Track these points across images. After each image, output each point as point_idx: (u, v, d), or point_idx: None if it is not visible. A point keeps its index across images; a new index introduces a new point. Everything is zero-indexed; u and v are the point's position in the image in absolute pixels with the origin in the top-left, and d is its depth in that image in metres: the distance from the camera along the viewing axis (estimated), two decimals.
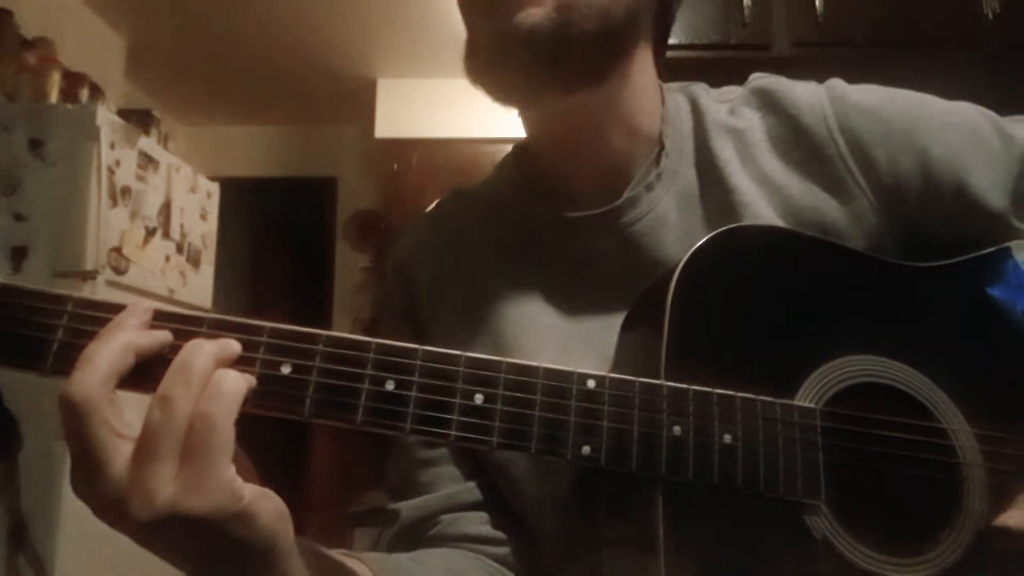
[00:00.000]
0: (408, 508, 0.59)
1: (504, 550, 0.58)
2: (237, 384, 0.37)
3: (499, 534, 0.58)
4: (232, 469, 0.36)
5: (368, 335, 0.41)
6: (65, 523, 1.86)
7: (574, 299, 0.59)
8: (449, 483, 0.59)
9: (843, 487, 0.46)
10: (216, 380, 0.37)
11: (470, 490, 0.59)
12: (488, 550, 0.57)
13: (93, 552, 1.93)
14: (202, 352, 0.37)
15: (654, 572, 0.42)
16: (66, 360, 0.37)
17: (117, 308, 0.39)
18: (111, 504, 0.35)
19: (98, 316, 0.39)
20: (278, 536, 0.38)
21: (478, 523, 0.58)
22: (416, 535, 0.59)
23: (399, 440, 0.62)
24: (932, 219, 0.58)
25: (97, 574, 1.92)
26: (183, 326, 0.39)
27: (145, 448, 0.35)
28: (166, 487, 0.34)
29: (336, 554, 0.47)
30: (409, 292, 0.65)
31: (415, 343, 0.41)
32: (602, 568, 0.48)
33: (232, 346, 0.39)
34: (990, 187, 0.57)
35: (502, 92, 0.57)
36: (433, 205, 0.71)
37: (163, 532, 0.35)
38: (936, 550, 0.47)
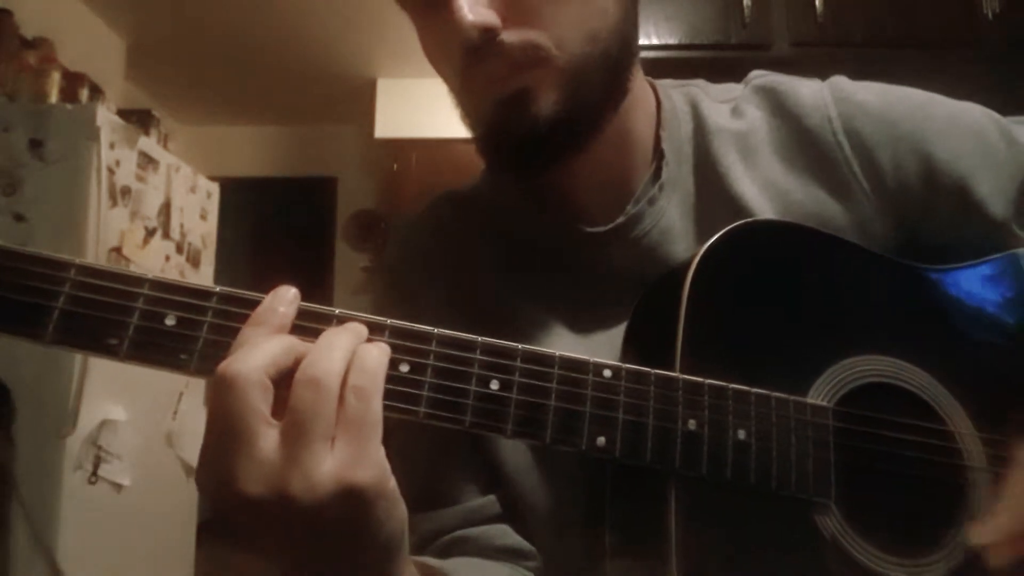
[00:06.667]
0: (424, 521, 0.57)
1: (535, 563, 0.56)
2: (381, 358, 0.38)
3: (529, 546, 0.57)
4: (382, 447, 0.36)
5: None
6: (66, 522, 1.86)
7: (581, 312, 0.58)
8: (468, 497, 0.58)
9: (852, 487, 0.46)
10: (360, 356, 0.37)
11: (492, 503, 0.57)
12: (524, 563, 0.56)
13: (93, 548, 1.93)
14: (343, 335, 0.38)
15: (663, 571, 0.42)
16: (211, 357, 0.37)
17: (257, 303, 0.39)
18: (257, 492, 0.34)
19: (241, 312, 0.38)
20: (405, 533, 0.38)
21: (508, 536, 0.57)
22: (433, 548, 0.57)
23: (414, 450, 0.57)
24: (934, 223, 0.57)
25: (98, 567, 1.92)
26: (314, 324, 0.39)
27: (299, 428, 0.35)
28: (325, 462, 0.34)
29: (421, 563, 0.47)
30: (404, 300, 0.62)
31: None
32: None
33: (362, 329, 0.39)
34: (993, 193, 0.56)
35: (531, 176, 0.57)
36: (424, 208, 0.67)
37: (316, 514, 0.34)
38: (941, 552, 0.47)
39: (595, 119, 0.53)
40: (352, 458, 0.35)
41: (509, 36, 0.49)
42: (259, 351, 0.36)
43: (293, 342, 0.37)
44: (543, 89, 0.50)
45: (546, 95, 0.50)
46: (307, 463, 0.34)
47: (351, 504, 0.35)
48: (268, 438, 0.35)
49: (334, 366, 0.36)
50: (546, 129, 0.50)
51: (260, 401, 0.35)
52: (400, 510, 0.37)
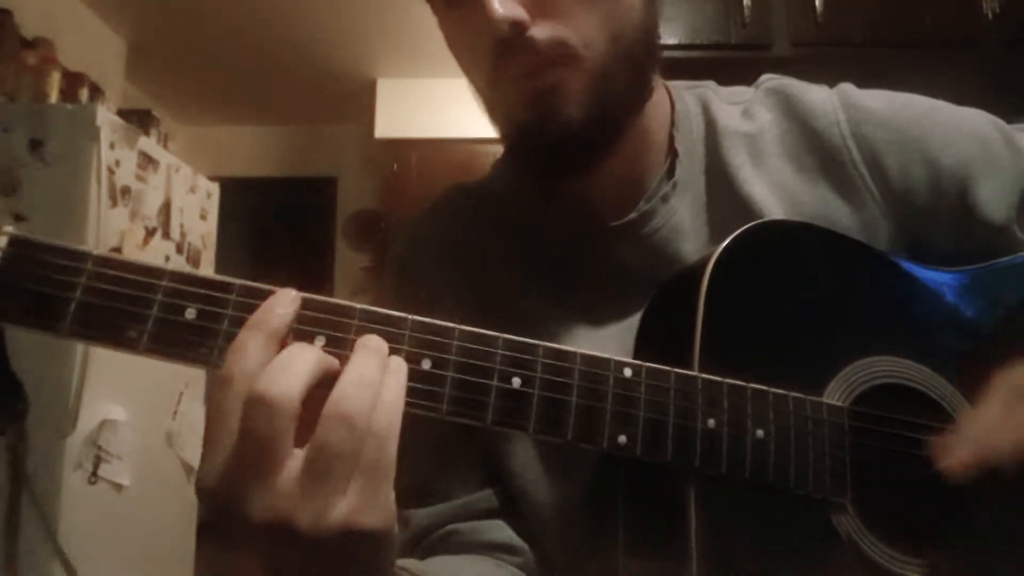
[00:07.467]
0: (419, 516, 0.58)
1: (522, 559, 0.56)
2: (399, 399, 0.36)
3: (519, 542, 0.57)
4: (392, 491, 0.35)
5: None
6: (66, 522, 1.86)
7: (590, 306, 0.59)
8: (463, 491, 0.58)
9: (868, 486, 0.46)
10: (383, 392, 0.35)
11: (486, 498, 0.58)
12: (509, 559, 0.56)
13: (93, 549, 1.93)
14: (373, 363, 0.36)
15: (682, 571, 0.42)
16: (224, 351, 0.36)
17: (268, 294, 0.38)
18: (264, 519, 0.33)
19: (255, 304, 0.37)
20: (394, 555, 0.39)
21: (497, 531, 0.57)
22: (427, 542, 0.57)
23: (410, 444, 0.59)
24: (937, 228, 0.58)
25: (98, 567, 1.93)
26: (335, 316, 0.38)
27: (321, 464, 0.33)
28: (339, 503, 0.34)
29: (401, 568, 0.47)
30: (414, 293, 0.62)
31: None
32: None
33: (385, 349, 0.37)
34: (996, 199, 0.57)
35: (557, 175, 0.56)
36: (433, 202, 0.68)
37: (316, 547, 0.34)
38: (954, 551, 0.48)
39: (622, 120, 0.54)
40: (364, 502, 0.34)
41: (538, 32, 0.49)
42: (298, 376, 0.34)
43: (323, 360, 0.36)
44: (573, 89, 0.50)
45: (576, 95, 0.50)
46: (321, 502, 0.33)
47: (353, 544, 0.34)
48: (289, 469, 0.34)
49: (365, 405, 0.35)
50: (577, 130, 0.50)
51: (291, 430, 0.34)
52: (395, 544, 0.37)
